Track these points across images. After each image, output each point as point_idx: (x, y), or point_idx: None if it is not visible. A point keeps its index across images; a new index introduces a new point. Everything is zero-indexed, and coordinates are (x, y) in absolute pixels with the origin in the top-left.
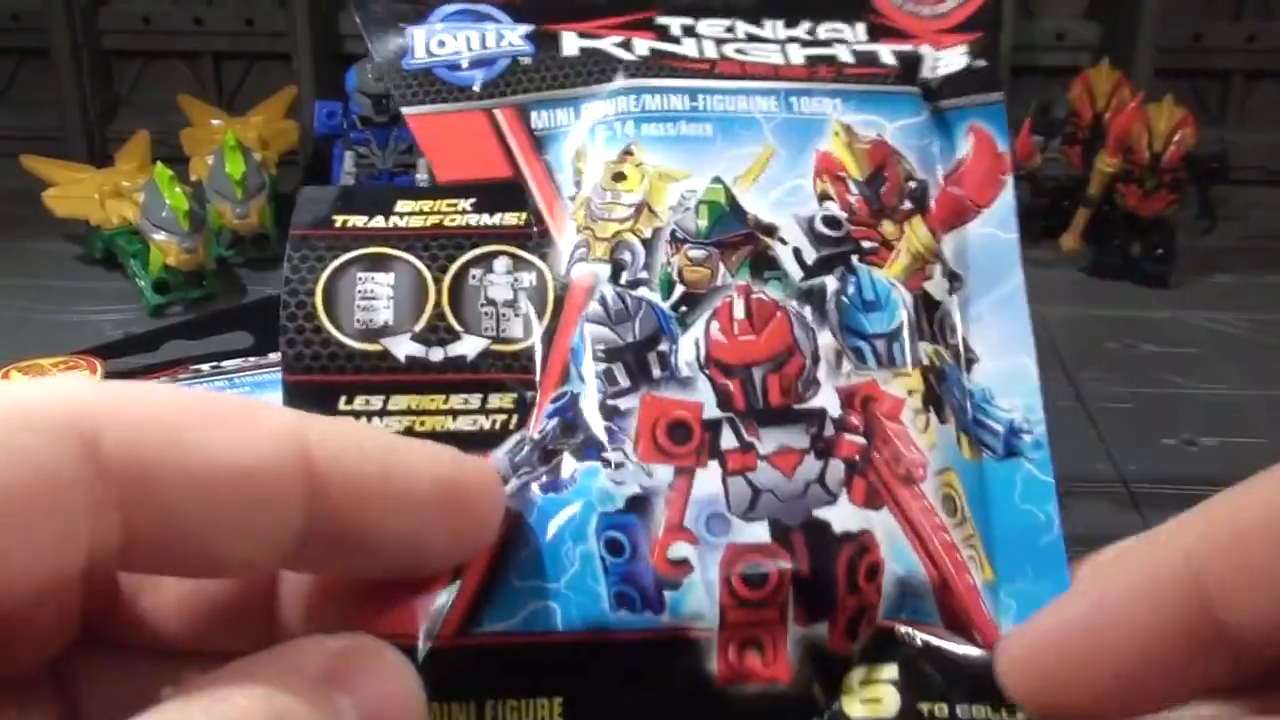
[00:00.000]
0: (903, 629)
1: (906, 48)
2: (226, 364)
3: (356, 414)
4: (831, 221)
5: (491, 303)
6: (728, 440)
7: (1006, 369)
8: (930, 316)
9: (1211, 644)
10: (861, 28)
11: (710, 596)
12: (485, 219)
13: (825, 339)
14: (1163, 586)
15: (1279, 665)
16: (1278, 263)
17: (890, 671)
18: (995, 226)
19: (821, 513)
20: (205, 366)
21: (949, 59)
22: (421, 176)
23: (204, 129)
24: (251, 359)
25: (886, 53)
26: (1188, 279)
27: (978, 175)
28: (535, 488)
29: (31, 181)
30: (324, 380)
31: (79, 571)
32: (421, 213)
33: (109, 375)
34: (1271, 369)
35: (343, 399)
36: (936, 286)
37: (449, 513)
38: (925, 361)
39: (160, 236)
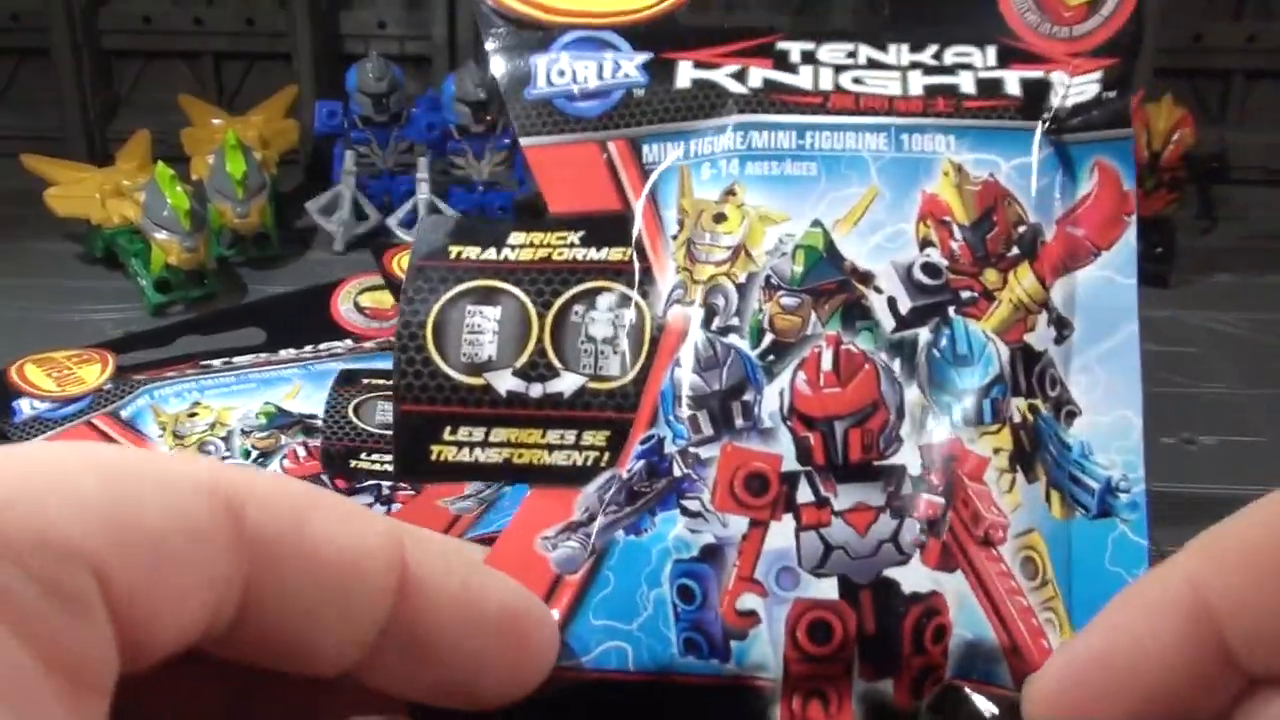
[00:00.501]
0: (969, 687)
1: (1036, 74)
2: (238, 360)
3: (460, 444)
4: (931, 270)
5: (591, 340)
6: (804, 494)
7: (1109, 423)
8: (1029, 369)
9: (1222, 671)
10: (992, 51)
11: (775, 649)
12: (592, 253)
13: (912, 394)
14: (1171, 617)
15: None
16: (1278, 263)
17: None
18: (1114, 271)
19: (892, 572)
20: (216, 362)
21: (1080, 87)
22: (422, 176)
23: (204, 128)
24: (263, 355)
25: (1013, 80)
26: (1188, 279)
27: (1100, 215)
28: (620, 530)
29: (32, 181)
30: (431, 411)
31: (200, 634)
32: (532, 245)
33: (120, 369)
34: (1271, 368)
35: (447, 429)
36: (1039, 337)
37: (511, 640)
38: (1017, 418)
39: (162, 236)
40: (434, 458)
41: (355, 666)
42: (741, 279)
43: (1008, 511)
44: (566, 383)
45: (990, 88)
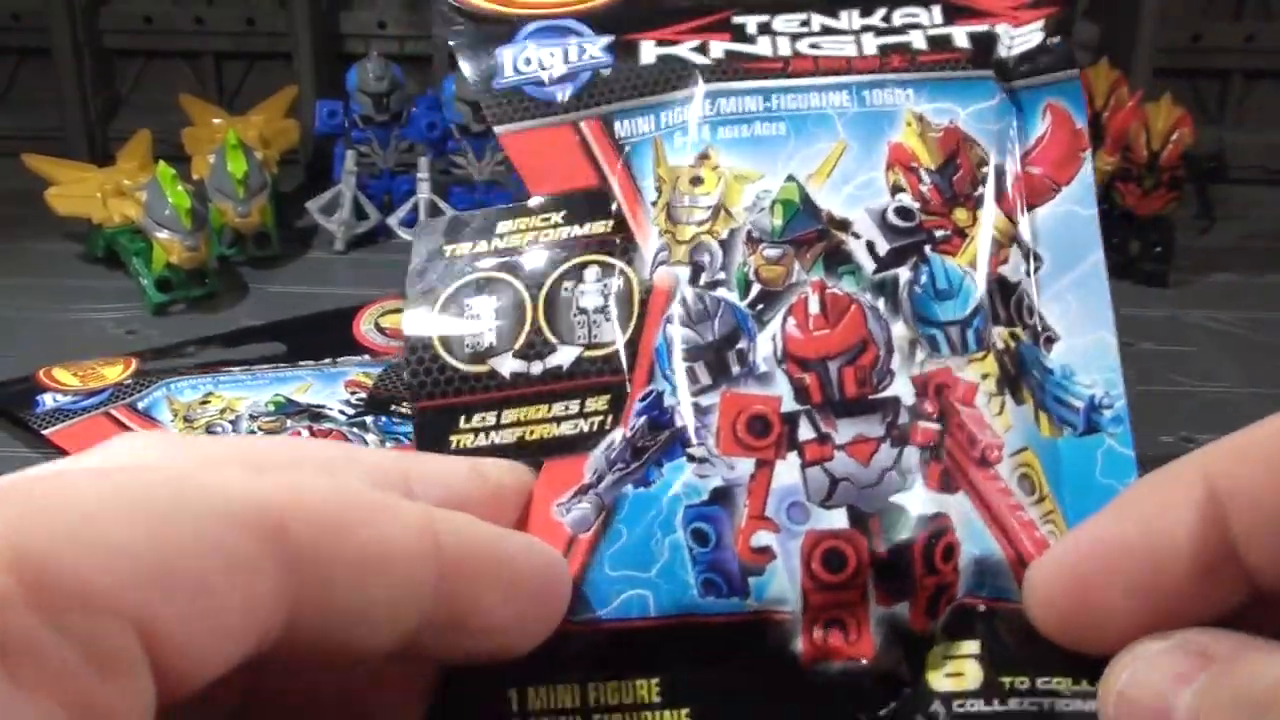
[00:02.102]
0: (983, 605)
1: (981, 28)
2: (256, 366)
3: (476, 430)
4: (904, 213)
5: (583, 311)
6: (805, 432)
7: (1086, 345)
8: (1006, 299)
9: (1227, 567)
10: (938, 10)
11: (792, 581)
12: (575, 230)
13: (899, 329)
14: (1179, 510)
15: None
16: (1277, 262)
17: (972, 646)
18: (1074, 204)
19: (898, 498)
20: (237, 369)
21: (1024, 36)
22: (422, 175)
23: (205, 128)
24: (281, 365)
25: (961, 35)
26: (1187, 278)
27: (1056, 153)
28: (628, 485)
29: (32, 181)
30: (445, 404)
31: (245, 659)
32: (520, 231)
33: (141, 373)
34: (1270, 368)
35: (462, 418)
36: (1012, 269)
37: (541, 597)
38: (1000, 345)
39: (163, 235)
40: (454, 446)
41: (399, 647)
42: (724, 235)
43: (1000, 432)
44: (563, 355)
45: (940, 42)
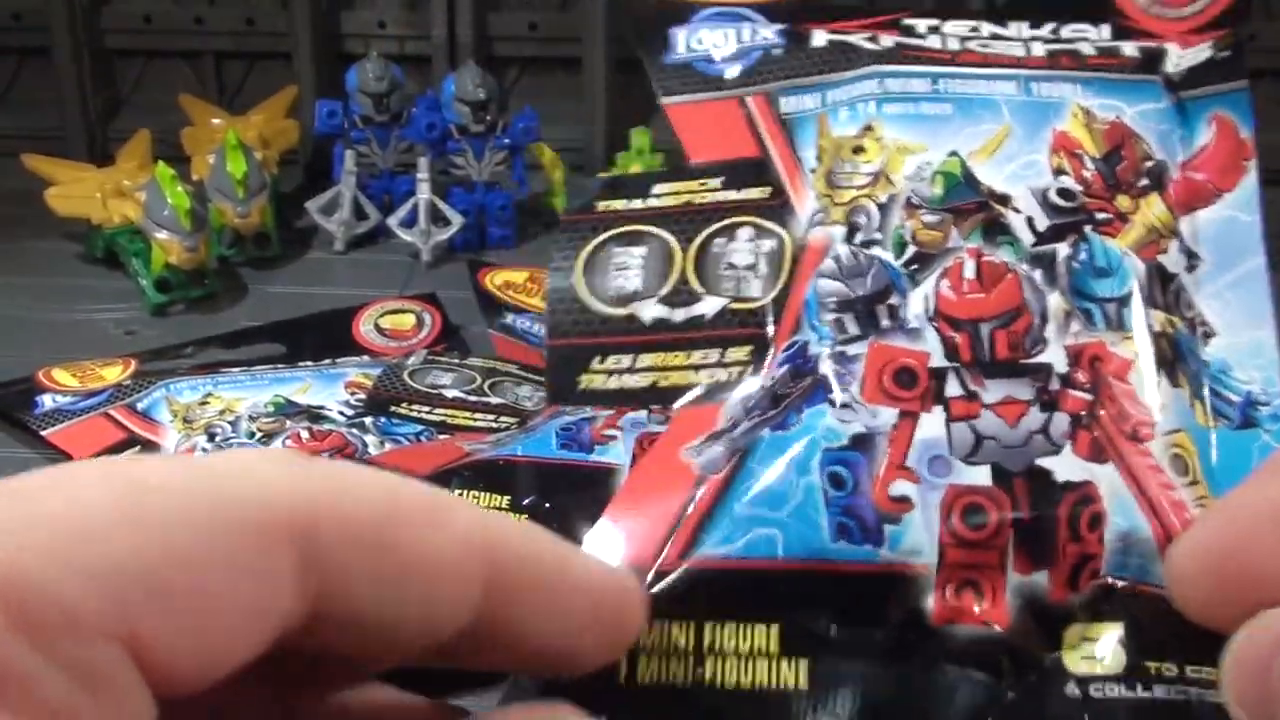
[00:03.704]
0: (1127, 584)
1: (1150, 45)
2: (256, 367)
3: (609, 372)
4: (1066, 193)
5: (733, 267)
6: (953, 388)
7: (1244, 343)
8: (1164, 287)
9: None
10: (1107, 29)
11: (930, 533)
12: (732, 194)
13: (1054, 300)
14: None
15: None
16: (1278, 262)
17: (1114, 627)
18: (1237, 210)
19: (1045, 462)
20: (236, 369)
21: (1193, 55)
22: (422, 176)
23: (205, 128)
24: (281, 365)
25: (1130, 48)
26: None
27: (1219, 160)
28: (765, 429)
29: (32, 181)
30: (580, 343)
31: (256, 657)
32: (675, 193)
33: (140, 374)
34: None
35: (596, 359)
36: (1172, 261)
37: (604, 617)
38: (1157, 328)
39: (162, 235)
40: (582, 386)
41: (441, 651)
42: (883, 199)
43: (1155, 410)
44: (709, 305)
45: (1109, 51)
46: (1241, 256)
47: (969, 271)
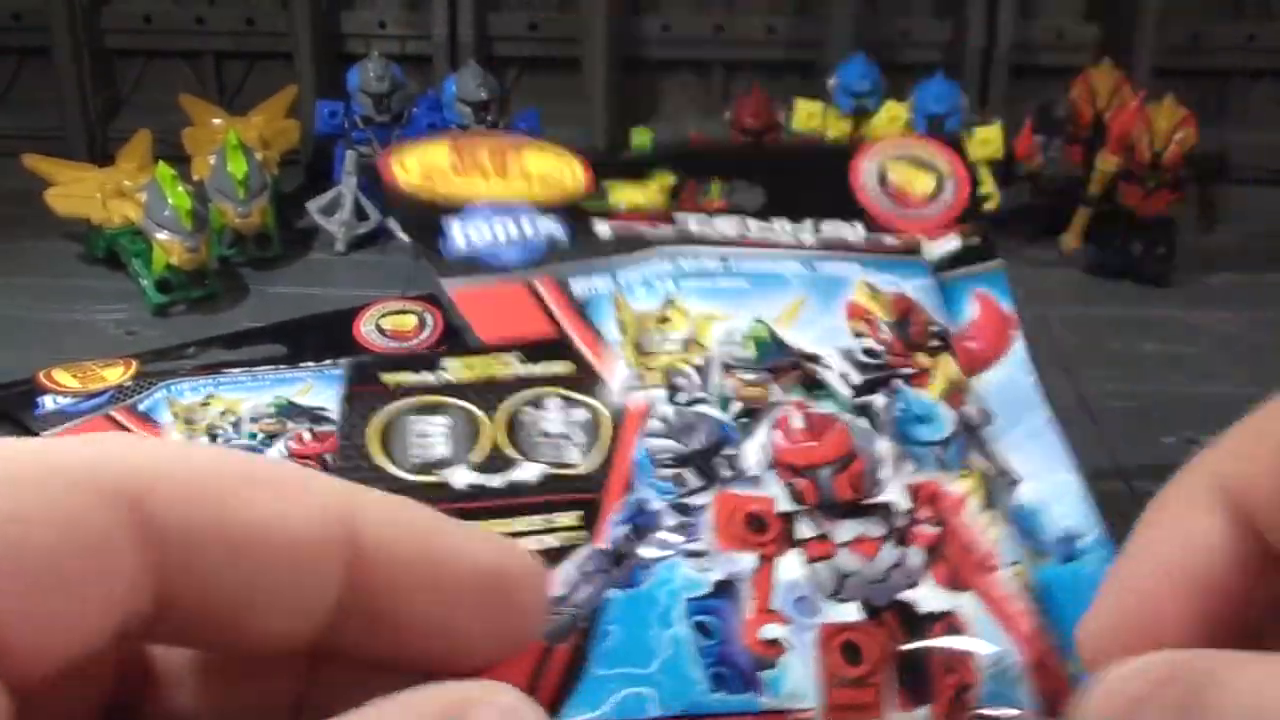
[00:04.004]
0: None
1: (906, 236)
2: (257, 368)
3: None
4: (870, 353)
5: (547, 435)
6: (804, 530)
7: (1050, 486)
8: (972, 435)
9: (1265, 564)
10: (860, 225)
11: (808, 675)
12: (534, 369)
13: (883, 445)
14: (1206, 515)
15: None
16: (1278, 263)
17: None
18: (1014, 370)
19: (908, 594)
20: (237, 370)
21: (943, 244)
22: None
23: (205, 128)
24: (282, 366)
25: (889, 239)
26: (1188, 278)
27: (988, 332)
28: (610, 590)
29: (32, 181)
30: None
31: (110, 642)
32: (470, 368)
33: (141, 375)
34: (1271, 368)
35: None
36: (973, 413)
37: (490, 602)
38: (980, 468)
39: (163, 236)
40: None
41: (311, 641)
42: (699, 362)
43: (993, 543)
44: (528, 471)
45: (873, 241)
46: (1029, 410)
47: (797, 422)
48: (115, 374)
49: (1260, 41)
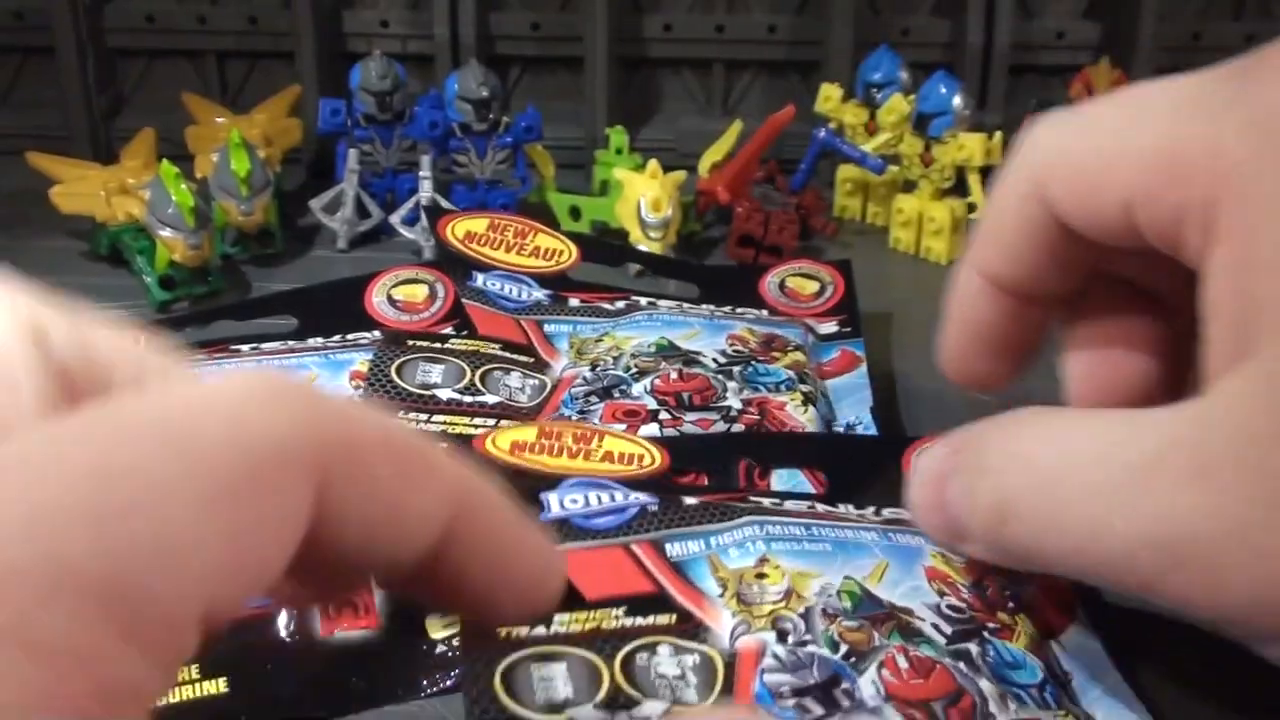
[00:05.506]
0: None
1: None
2: (265, 345)
3: None
4: (955, 609)
5: (663, 676)
6: None
7: None
8: (1063, 688)
9: (1061, 236)
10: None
11: None
12: (639, 620)
13: (985, 684)
14: (1016, 197)
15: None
16: None
17: None
18: (1084, 635)
19: None
20: (245, 347)
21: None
22: (424, 174)
23: (208, 127)
24: (290, 343)
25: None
26: None
27: (1056, 594)
28: None
29: (36, 180)
30: None
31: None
32: (578, 621)
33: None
34: None
35: None
36: (1057, 664)
37: (528, 585)
38: (1076, 713)
39: (166, 233)
40: None
41: (392, 577)
42: (801, 610)
43: None
44: (651, 708)
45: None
46: (1100, 674)
47: (903, 664)
48: None
49: (1260, 41)
